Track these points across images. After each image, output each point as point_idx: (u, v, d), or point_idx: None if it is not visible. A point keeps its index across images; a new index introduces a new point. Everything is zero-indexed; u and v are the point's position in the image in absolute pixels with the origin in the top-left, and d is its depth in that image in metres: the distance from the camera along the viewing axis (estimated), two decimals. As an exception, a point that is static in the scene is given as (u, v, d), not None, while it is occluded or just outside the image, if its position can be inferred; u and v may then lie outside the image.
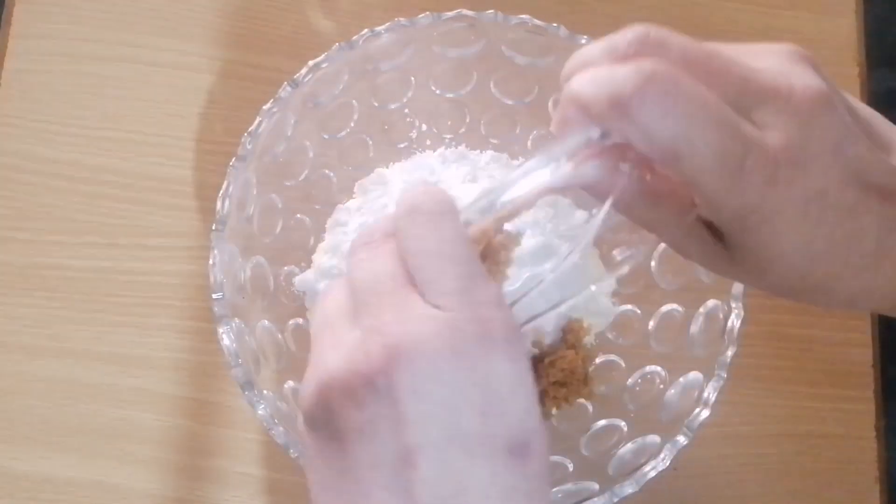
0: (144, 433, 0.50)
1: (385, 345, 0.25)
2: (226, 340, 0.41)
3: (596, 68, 0.28)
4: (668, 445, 0.41)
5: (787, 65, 0.29)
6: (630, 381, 0.47)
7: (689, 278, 0.47)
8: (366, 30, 0.45)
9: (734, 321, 0.43)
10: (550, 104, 0.51)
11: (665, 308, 0.47)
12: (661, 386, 0.45)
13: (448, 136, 0.52)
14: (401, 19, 0.45)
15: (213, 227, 0.42)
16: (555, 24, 0.45)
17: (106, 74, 0.54)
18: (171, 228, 0.52)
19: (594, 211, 0.50)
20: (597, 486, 0.42)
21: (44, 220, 0.52)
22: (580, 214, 0.50)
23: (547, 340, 0.47)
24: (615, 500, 0.41)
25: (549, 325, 0.46)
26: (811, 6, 0.57)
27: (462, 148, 0.52)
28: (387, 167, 0.51)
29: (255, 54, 0.54)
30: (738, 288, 0.43)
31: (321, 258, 0.49)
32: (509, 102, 0.51)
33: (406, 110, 0.51)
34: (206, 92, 0.54)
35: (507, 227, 0.45)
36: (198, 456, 0.50)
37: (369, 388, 0.25)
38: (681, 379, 0.44)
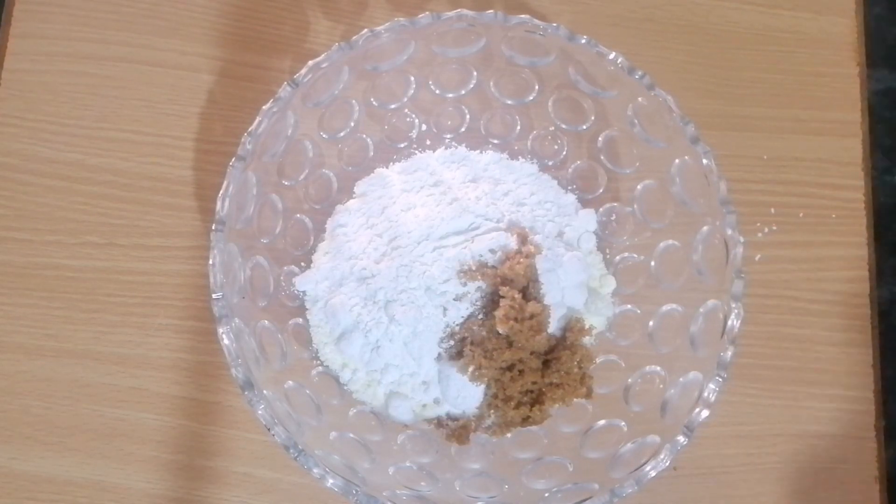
0: (144, 433, 0.50)
1: None
2: (226, 340, 0.41)
3: None
4: (668, 445, 0.41)
5: None
6: (630, 381, 0.47)
7: (689, 278, 0.47)
8: (366, 30, 0.45)
9: (734, 321, 0.43)
10: (550, 104, 0.51)
11: (665, 308, 0.47)
12: (661, 386, 0.45)
13: (448, 136, 0.52)
14: (401, 19, 0.45)
15: (213, 227, 0.42)
16: (555, 24, 0.45)
17: (106, 74, 0.54)
18: (170, 228, 0.52)
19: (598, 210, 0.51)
20: (597, 486, 0.42)
21: (43, 220, 0.52)
22: (583, 213, 0.50)
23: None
24: (615, 500, 0.41)
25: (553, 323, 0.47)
26: (811, 6, 0.57)
27: (462, 148, 0.52)
28: (387, 167, 0.51)
29: (255, 54, 0.54)
30: (738, 288, 0.43)
31: (321, 258, 0.49)
32: (509, 102, 0.51)
33: (406, 110, 0.51)
34: (206, 92, 0.54)
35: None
36: (198, 456, 0.50)
37: None
38: (681, 379, 0.44)
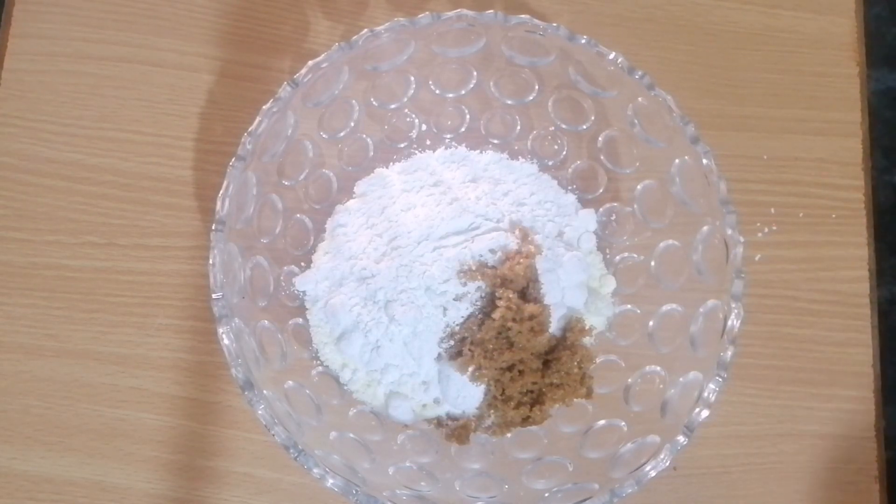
0: (144, 433, 0.50)
1: None
2: (226, 340, 0.41)
3: None
4: (668, 445, 0.41)
5: None
6: (630, 381, 0.47)
7: (689, 278, 0.47)
8: (366, 30, 0.45)
9: (734, 321, 0.43)
10: (550, 104, 0.51)
11: (665, 308, 0.47)
12: (661, 386, 0.45)
13: (448, 136, 0.52)
14: (401, 19, 0.45)
15: (213, 227, 0.42)
16: (555, 24, 0.45)
17: (106, 74, 0.54)
18: (170, 228, 0.52)
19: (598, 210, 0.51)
20: (597, 486, 0.42)
21: (43, 220, 0.52)
22: (583, 213, 0.50)
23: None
24: (615, 500, 0.41)
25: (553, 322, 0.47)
26: (811, 6, 0.57)
27: (462, 148, 0.52)
28: (387, 167, 0.51)
29: (255, 54, 0.54)
30: (737, 288, 0.43)
31: (321, 258, 0.49)
32: (509, 102, 0.51)
33: (406, 110, 0.51)
34: (206, 92, 0.54)
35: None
36: (198, 456, 0.50)
37: None
38: (681, 379, 0.44)
